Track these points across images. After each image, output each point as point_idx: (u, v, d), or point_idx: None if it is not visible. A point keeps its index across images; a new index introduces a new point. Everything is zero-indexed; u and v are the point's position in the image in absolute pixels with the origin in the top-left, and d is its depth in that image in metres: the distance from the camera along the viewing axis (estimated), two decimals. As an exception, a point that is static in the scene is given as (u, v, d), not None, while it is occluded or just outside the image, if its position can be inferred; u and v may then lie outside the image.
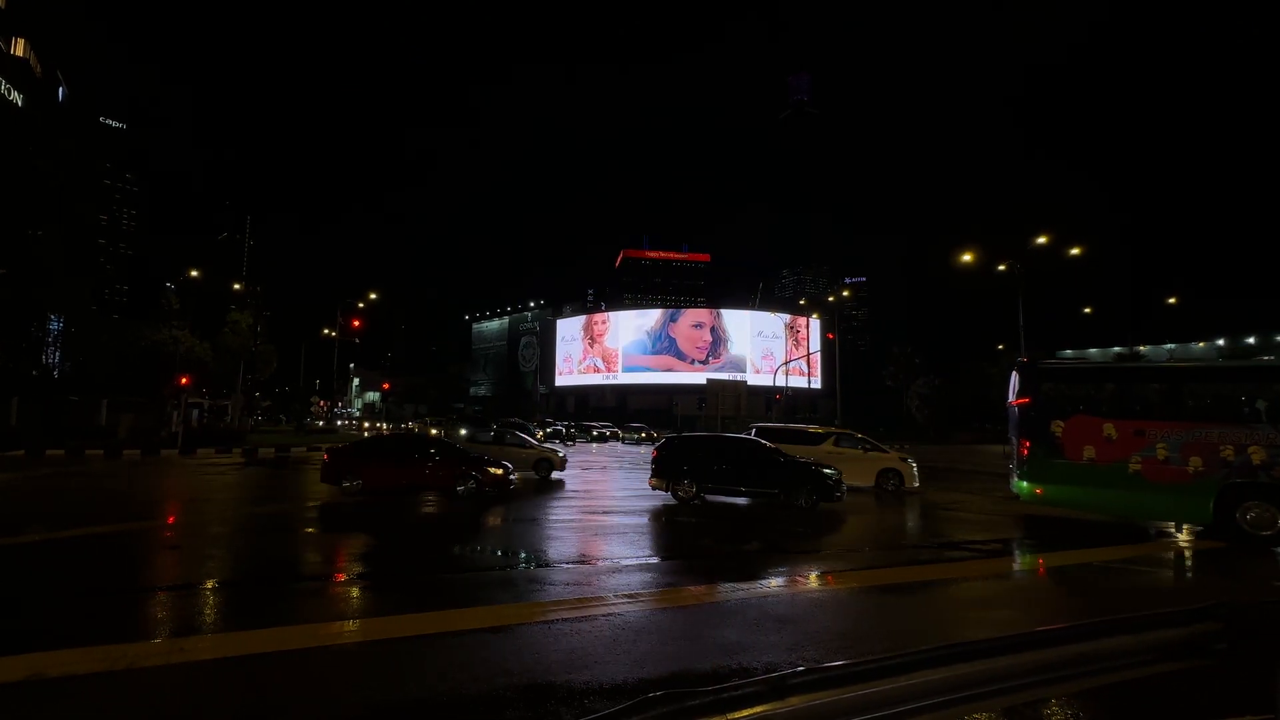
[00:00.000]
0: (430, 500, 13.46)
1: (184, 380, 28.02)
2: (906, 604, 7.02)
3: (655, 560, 8.51)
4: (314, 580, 7.39)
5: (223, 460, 22.75)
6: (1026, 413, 11.77)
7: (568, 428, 51.15)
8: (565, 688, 4.21)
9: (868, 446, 17.53)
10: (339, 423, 68.85)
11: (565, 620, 5.65)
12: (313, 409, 70.01)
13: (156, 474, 18.00)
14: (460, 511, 12.32)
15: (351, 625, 5.61)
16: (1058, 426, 11.39)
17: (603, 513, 12.92)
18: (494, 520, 11.61)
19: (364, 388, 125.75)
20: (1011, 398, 12.34)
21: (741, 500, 13.85)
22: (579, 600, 6.32)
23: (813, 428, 17.94)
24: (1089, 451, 11.07)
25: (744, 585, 7.08)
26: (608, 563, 8.25)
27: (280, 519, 11.46)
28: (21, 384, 28.95)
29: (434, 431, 38.63)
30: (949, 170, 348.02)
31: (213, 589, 6.80)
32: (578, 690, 4.17)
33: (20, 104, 45.81)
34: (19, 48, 48.71)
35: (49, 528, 9.83)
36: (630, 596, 6.50)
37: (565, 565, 8.03)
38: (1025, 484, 11.69)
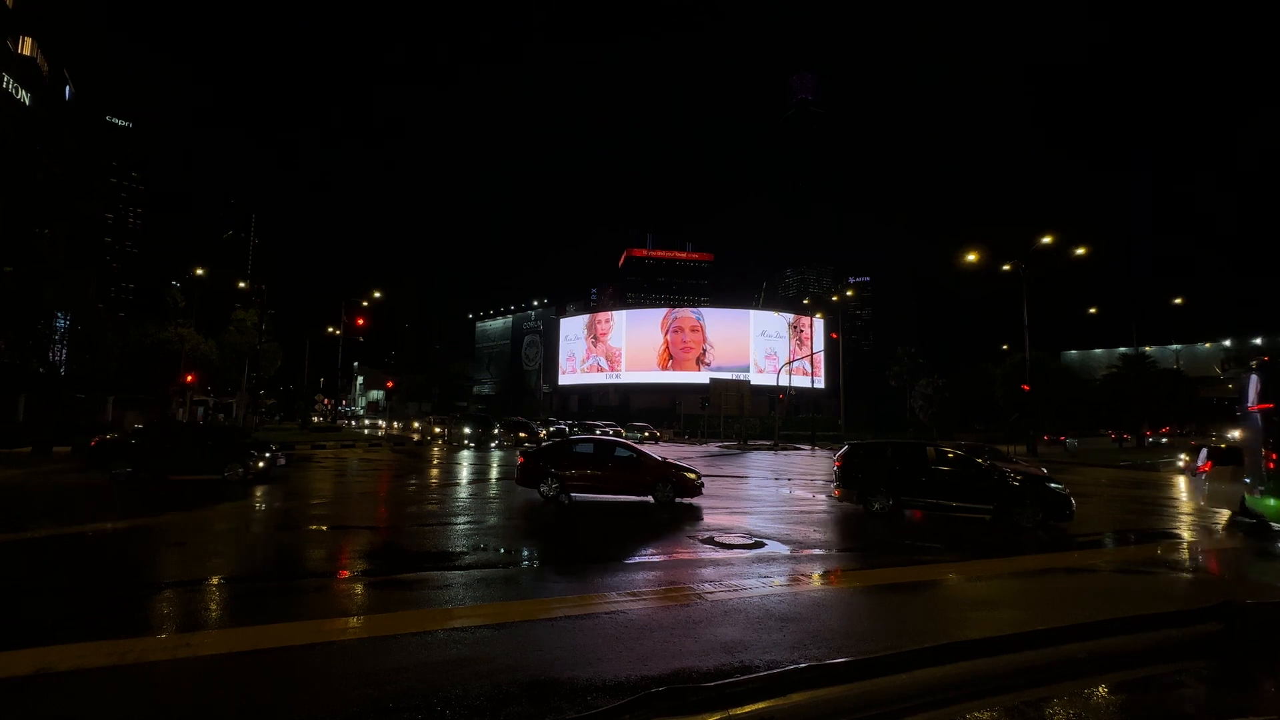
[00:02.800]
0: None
1: (189, 378, 28.17)
2: (909, 602, 7.02)
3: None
4: (317, 577, 7.42)
5: (227, 458, 22.81)
6: (1271, 419, 10.12)
7: (571, 426, 51.19)
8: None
9: None
10: (340, 421, 69.03)
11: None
12: (316, 407, 70.28)
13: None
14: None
15: (355, 622, 5.64)
16: None
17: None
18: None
19: (368, 386, 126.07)
20: (1251, 402, 10.81)
21: (945, 515, 12.37)
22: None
23: None
24: None
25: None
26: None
27: (283, 515, 11.50)
28: (28, 381, 29.08)
29: (437, 430, 38.66)
30: (954, 170, 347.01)
31: (218, 585, 6.84)
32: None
33: (28, 103, 46.03)
34: (26, 46, 48.92)
35: (56, 523, 9.90)
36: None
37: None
38: (1273, 502, 9.92)
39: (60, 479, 15.53)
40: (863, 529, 11.64)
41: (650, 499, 13.24)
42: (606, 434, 51.60)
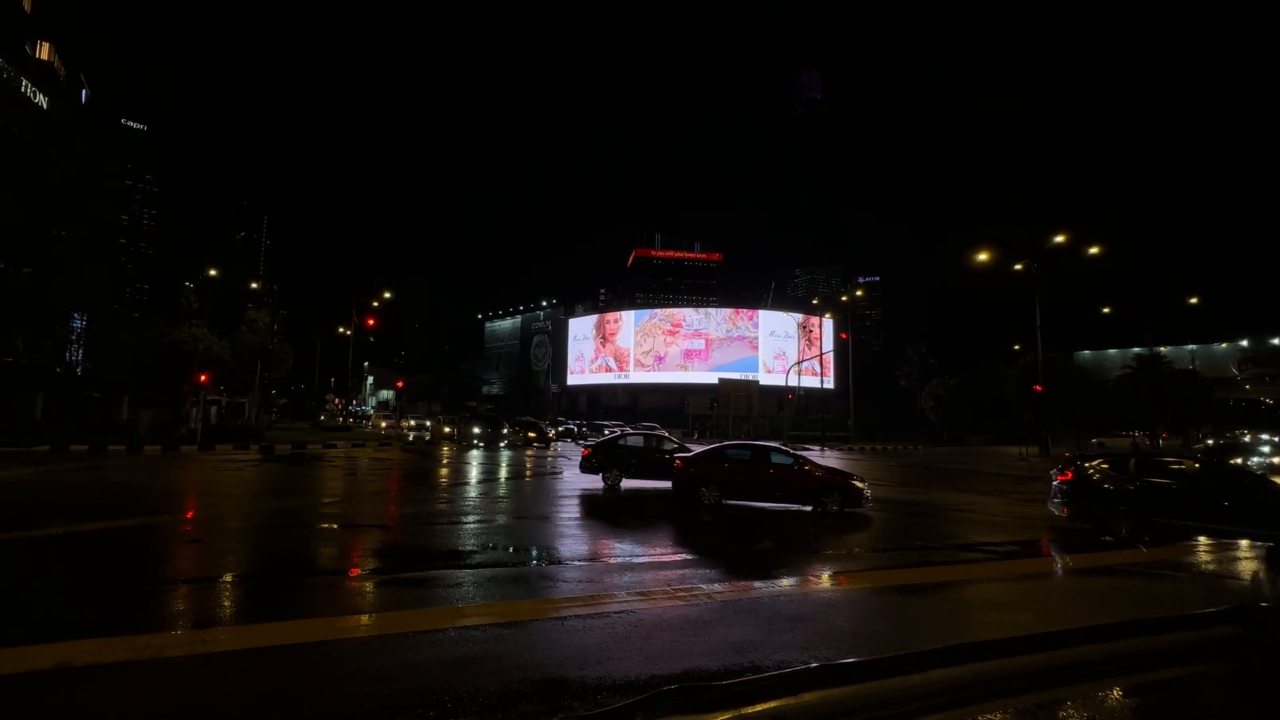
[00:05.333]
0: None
1: (203, 377, 28.44)
2: (919, 603, 6.98)
3: None
4: (328, 575, 7.48)
5: (241, 456, 23.08)
6: None
7: (579, 426, 51.33)
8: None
9: None
10: (352, 420, 69.52)
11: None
12: (327, 406, 70.83)
13: (177, 469, 18.29)
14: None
15: (367, 619, 5.68)
16: None
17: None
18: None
19: (378, 385, 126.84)
20: None
21: (1209, 540, 10.85)
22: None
23: None
24: None
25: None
26: None
27: (296, 513, 11.60)
28: (46, 380, 29.53)
29: (446, 430, 38.84)
30: (965, 168, 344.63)
31: (232, 582, 6.91)
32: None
33: (45, 106, 46.69)
34: (43, 51, 49.62)
35: (73, 521, 10.02)
36: None
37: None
38: None
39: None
40: (875, 531, 11.55)
41: (809, 508, 12.71)
42: (614, 433, 51.70)
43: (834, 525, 11.74)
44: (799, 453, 13.77)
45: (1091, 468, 11.48)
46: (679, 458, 14.04)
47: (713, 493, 13.02)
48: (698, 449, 15.28)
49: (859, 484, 12.67)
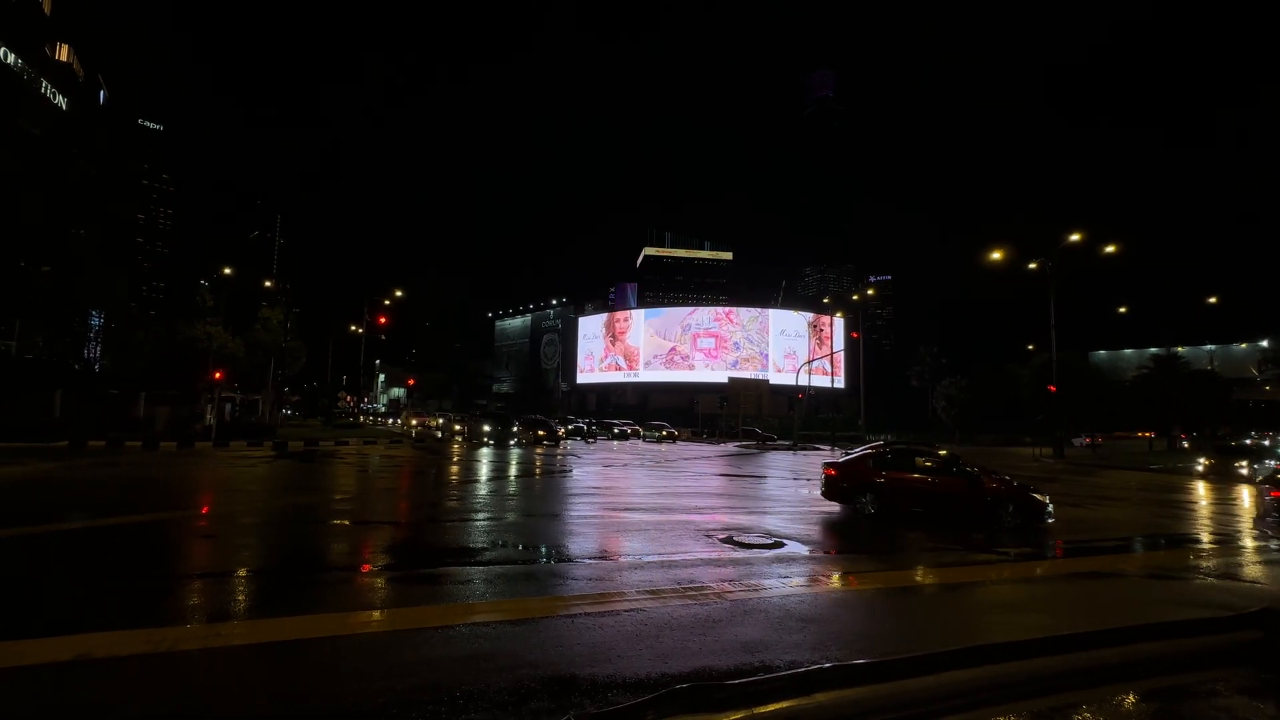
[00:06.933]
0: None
1: (217, 375, 28.78)
2: (932, 604, 6.93)
3: None
4: (340, 570, 7.55)
5: (254, 453, 23.34)
6: None
7: (589, 425, 51.42)
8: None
9: None
10: (367, 419, 70.16)
11: None
12: (339, 404, 71.43)
13: (192, 465, 18.53)
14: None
15: (379, 615, 5.73)
16: None
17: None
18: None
19: (389, 384, 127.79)
20: None
21: None
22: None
23: None
24: None
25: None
26: None
27: (309, 509, 11.71)
28: (65, 377, 29.99)
29: (457, 428, 39.03)
30: (978, 166, 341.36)
31: (246, 577, 6.99)
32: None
33: (64, 107, 47.40)
34: (63, 53, 50.41)
35: (91, 515, 10.17)
36: None
37: None
38: None
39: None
40: (884, 532, 11.47)
41: (983, 520, 11.50)
42: (625, 432, 51.75)
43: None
44: (969, 464, 12.27)
45: None
46: (829, 465, 13.10)
47: (869, 503, 12.07)
48: (860, 450, 14.13)
49: (1039, 496, 11.38)
